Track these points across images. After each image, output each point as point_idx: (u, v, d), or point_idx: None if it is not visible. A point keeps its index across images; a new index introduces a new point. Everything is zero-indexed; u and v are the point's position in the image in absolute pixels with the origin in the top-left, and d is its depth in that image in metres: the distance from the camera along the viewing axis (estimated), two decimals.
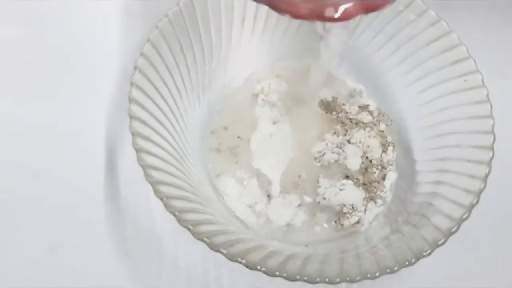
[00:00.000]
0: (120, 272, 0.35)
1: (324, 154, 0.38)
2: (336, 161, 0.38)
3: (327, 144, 0.39)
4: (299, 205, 0.37)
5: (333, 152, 0.38)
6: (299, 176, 0.38)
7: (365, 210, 0.37)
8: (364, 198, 0.37)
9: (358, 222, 0.36)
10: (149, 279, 0.35)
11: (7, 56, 0.41)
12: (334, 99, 0.41)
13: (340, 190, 0.37)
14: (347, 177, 0.38)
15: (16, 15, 0.43)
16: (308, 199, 0.37)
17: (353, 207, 0.36)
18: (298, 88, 0.41)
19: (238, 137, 0.39)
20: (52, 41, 0.42)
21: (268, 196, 0.37)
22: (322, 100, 0.41)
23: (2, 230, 0.36)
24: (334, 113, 0.40)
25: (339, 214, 0.37)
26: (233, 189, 0.37)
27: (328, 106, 0.41)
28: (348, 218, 0.36)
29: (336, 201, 0.37)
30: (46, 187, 0.37)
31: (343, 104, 0.41)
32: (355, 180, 0.38)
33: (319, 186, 0.37)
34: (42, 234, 0.36)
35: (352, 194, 0.37)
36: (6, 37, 0.42)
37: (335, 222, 0.37)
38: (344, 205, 0.36)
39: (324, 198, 0.37)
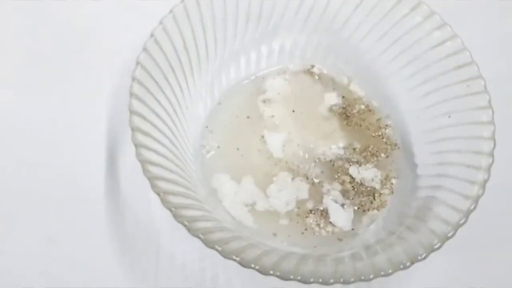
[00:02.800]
0: (117, 266, 0.35)
1: (325, 154, 0.38)
2: (339, 161, 0.38)
3: (330, 147, 0.39)
4: (293, 178, 0.37)
5: (333, 153, 0.39)
6: (298, 166, 0.38)
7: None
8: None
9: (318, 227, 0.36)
10: (146, 275, 0.35)
11: (9, 49, 0.42)
12: (338, 101, 0.41)
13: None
14: (343, 182, 0.38)
15: (19, 9, 0.43)
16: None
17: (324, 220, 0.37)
18: (302, 88, 0.41)
19: (239, 136, 0.39)
20: (54, 35, 0.42)
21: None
22: (325, 102, 0.41)
23: (2, 221, 0.36)
24: (337, 114, 0.40)
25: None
26: (229, 187, 0.37)
27: (332, 108, 0.41)
28: (318, 225, 0.36)
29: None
30: (47, 179, 0.37)
31: (348, 106, 0.41)
32: (351, 188, 0.38)
33: (320, 183, 0.38)
34: (42, 226, 0.36)
35: (337, 212, 0.37)
36: (8, 31, 0.42)
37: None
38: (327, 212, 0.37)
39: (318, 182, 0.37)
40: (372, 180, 0.38)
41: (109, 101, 0.40)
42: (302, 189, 0.37)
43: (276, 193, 0.37)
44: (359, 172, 0.38)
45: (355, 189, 0.38)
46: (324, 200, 0.37)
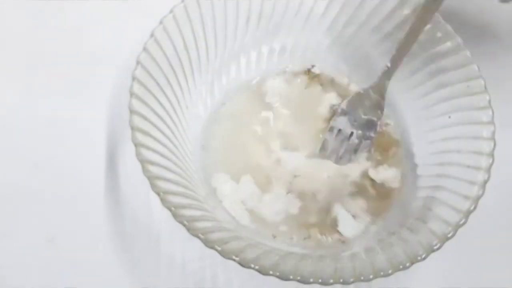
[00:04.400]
0: (117, 266, 0.35)
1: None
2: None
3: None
4: (288, 193, 0.37)
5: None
6: (295, 176, 0.38)
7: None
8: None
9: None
10: (146, 274, 0.35)
11: (9, 49, 0.42)
12: (338, 101, 0.41)
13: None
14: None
15: (19, 9, 0.43)
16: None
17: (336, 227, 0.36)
18: (302, 88, 0.41)
19: (239, 136, 0.39)
20: (55, 35, 0.43)
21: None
22: (325, 102, 0.41)
23: (2, 220, 0.36)
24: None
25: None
26: (229, 187, 0.37)
27: (332, 108, 0.41)
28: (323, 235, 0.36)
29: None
30: (47, 178, 0.37)
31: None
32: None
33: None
34: (41, 226, 0.36)
35: (346, 222, 0.37)
36: (8, 31, 0.43)
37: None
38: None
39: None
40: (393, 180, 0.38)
41: (109, 100, 0.40)
42: (293, 204, 0.37)
43: (267, 203, 0.37)
44: (378, 173, 0.38)
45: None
46: (334, 209, 0.37)
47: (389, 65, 0.37)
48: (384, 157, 0.39)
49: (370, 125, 0.39)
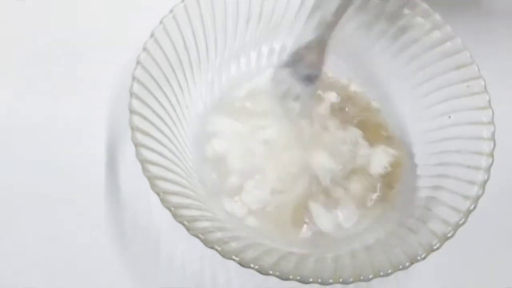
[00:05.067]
0: (117, 266, 0.35)
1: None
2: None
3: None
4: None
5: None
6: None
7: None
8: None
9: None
10: (146, 275, 0.35)
11: (9, 48, 0.42)
12: (338, 100, 0.41)
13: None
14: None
15: (18, 9, 0.44)
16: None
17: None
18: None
19: (239, 136, 0.39)
20: (55, 35, 0.43)
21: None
22: (325, 101, 0.41)
23: (2, 220, 0.36)
24: (337, 114, 0.40)
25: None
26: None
27: (332, 108, 0.41)
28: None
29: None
30: (47, 178, 0.37)
31: (347, 105, 0.41)
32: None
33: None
34: (41, 226, 0.36)
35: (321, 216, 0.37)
36: (8, 30, 0.43)
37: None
38: None
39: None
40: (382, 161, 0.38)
41: (109, 100, 0.40)
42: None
43: (251, 189, 0.37)
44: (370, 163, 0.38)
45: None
46: (310, 204, 0.37)
47: (332, 18, 0.38)
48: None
49: (309, 79, 0.40)
